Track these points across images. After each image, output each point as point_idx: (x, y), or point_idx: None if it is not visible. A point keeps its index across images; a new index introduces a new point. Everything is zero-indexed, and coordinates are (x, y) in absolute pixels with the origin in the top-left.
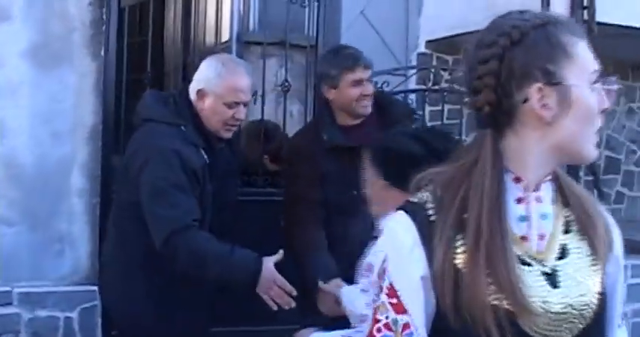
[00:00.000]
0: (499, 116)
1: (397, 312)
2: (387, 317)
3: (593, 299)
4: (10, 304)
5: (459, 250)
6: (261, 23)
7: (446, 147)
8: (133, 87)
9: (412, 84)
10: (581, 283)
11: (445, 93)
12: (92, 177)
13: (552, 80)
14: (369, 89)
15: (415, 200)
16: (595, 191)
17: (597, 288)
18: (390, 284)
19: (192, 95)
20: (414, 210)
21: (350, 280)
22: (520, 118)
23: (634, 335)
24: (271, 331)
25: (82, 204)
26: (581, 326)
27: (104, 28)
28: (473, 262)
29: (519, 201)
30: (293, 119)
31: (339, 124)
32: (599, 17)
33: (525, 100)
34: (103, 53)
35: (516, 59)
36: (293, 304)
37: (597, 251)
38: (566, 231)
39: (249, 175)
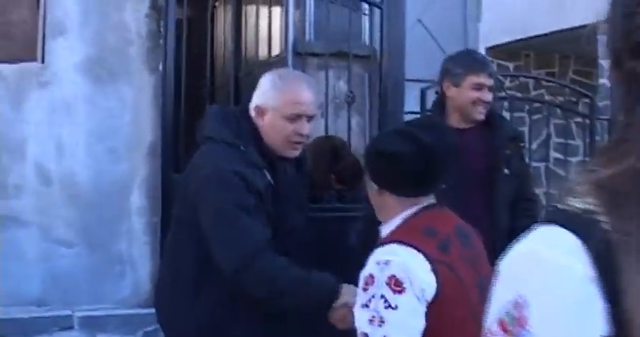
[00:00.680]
0: None
1: None
2: None
3: None
4: (71, 328)
5: None
6: (318, 34)
7: (438, 141)
8: (190, 102)
9: None
10: None
11: (508, 101)
12: (152, 195)
13: None
14: (488, 97)
15: (578, 208)
16: None
17: None
18: None
19: (252, 113)
20: (582, 225)
21: None
22: None
23: None
24: None
25: (142, 224)
26: None
27: (162, 40)
28: None
29: None
30: (352, 132)
31: (449, 124)
32: None
33: None
34: (161, 67)
35: None
36: None
37: None
38: None
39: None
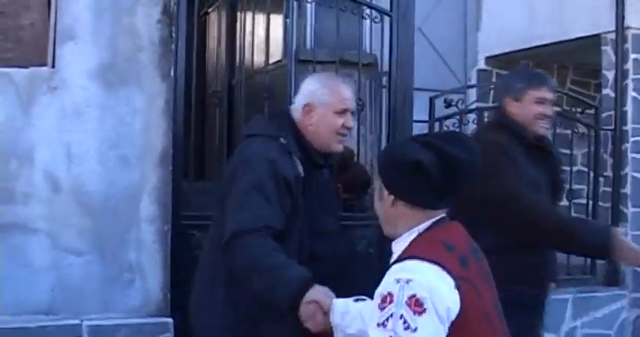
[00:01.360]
0: None
1: None
2: None
3: None
4: None
5: None
6: (319, 41)
7: (462, 152)
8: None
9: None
10: None
11: None
12: (162, 203)
13: None
14: (550, 111)
15: None
16: None
17: None
18: None
19: (297, 113)
20: None
21: None
22: None
23: None
24: None
25: (152, 232)
26: None
27: (173, 46)
28: None
29: None
30: (353, 139)
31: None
32: None
33: None
34: (172, 73)
35: None
36: None
37: None
38: None
39: None
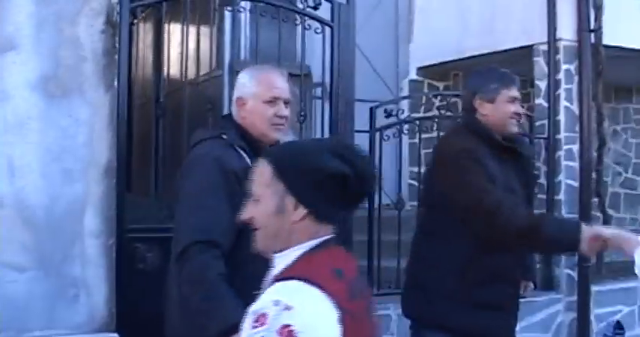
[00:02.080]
0: None
1: None
2: None
3: None
4: None
5: None
6: (253, 52)
7: (369, 168)
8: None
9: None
10: None
11: (437, 120)
12: (107, 217)
13: None
14: (521, 109)
15: None
16: (600, 214)
17: None
18: None
19: (234, 108)
20: None
21: None
22: None
23: None
24: None
25: (96, 247)
26: None
27: (116, 57)
28: None
29: None
30: None
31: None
32: None
33: None
34: (116, 84)
35: None
36: None
37: None
38: None
39: None
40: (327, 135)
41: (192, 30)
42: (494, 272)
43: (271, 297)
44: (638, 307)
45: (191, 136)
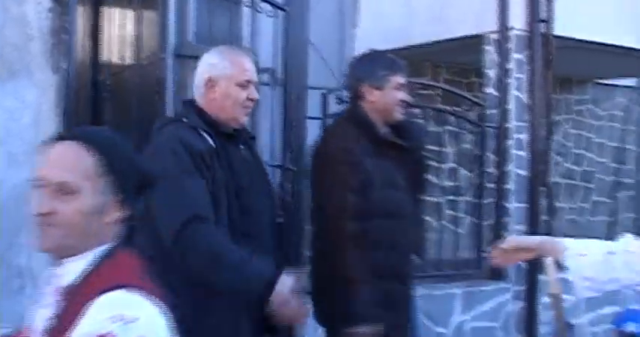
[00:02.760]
0: None
1: None
2: None
3: None
4: None
5: None
6: (199, 36)
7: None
8: None
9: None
10: None
11: None
12: None
13: None
14: (407, 96)
15: None
16: (547, 203)
17: None
18: None
19: (200, 89)
20: None
21: None
22: None
23: None
24: None
25: None
26: None
27: (65, 37)
28: None
29: None
30: None
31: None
32: None
33: None
34: (66, 66)
35: None
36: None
37: None
38: None
39: None
40: (278, 122)
41: (135, 11)
42: (382, 269)
43: (103, 315)
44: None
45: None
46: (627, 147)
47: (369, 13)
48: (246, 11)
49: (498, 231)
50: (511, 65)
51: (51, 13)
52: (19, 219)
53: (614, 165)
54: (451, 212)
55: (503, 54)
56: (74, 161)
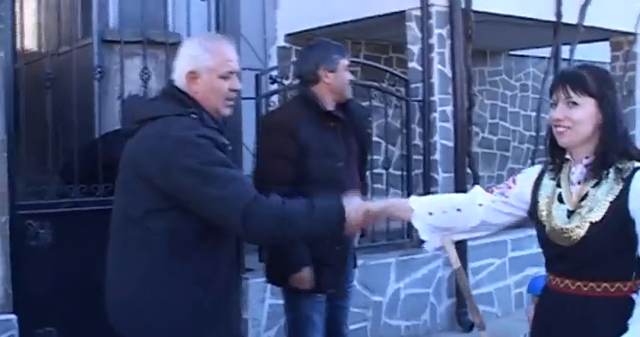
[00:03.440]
0: None
1: None
2: None
3: None
4: None
5: None
6: (123, 20)
7: None
8: None
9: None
10: None
11: None
12: None
13: None
14: (352, 76)
15: None
16: (471, 172)
17: None
18: None
19: (182, 82)
20: None
21: None
22: None
23: (517, 304)
24: None
25: None
26: None
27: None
28: None
29: None
30: None
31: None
32: None
33: None
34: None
35: None
36: None
37: None
38: None
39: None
40: None
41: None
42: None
43: None
44: (508, 259)
45: (140, 105)
46: (543, 115)
47: None
48: None
49: None
50: (433, 40)
51: None
52: None
53: (529, 133)
54: (379, 185)
55: (426, 30)
56: None
